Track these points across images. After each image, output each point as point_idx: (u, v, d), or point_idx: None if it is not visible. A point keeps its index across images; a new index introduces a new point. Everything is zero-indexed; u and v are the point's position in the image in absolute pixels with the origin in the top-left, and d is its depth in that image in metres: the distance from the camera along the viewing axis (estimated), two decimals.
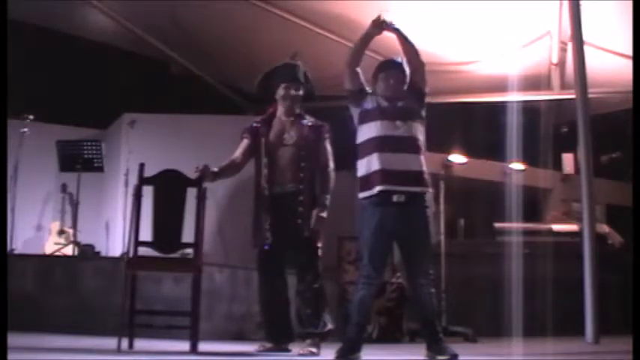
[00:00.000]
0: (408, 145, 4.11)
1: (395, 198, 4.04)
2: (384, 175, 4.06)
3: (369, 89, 4.31)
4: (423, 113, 4.27)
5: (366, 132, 4.17)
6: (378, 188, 4.06)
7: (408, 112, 4.17)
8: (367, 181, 4.12)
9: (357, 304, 4.11)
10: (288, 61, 4.90)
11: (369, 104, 4.23)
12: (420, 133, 4.19)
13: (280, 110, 4.82)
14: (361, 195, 4.16)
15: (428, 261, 4.13)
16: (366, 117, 4.21)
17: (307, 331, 4.67)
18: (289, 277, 4.80)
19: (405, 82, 4.28)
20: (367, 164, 4.13)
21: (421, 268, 4.09)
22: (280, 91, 4.78)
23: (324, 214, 4.64)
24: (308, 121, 4.81)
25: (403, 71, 4.28)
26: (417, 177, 4.11)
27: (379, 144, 4.09)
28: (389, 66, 4.29)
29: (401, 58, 4.29)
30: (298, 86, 4.79)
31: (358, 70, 4.28)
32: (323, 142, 4.77)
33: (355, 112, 4.28)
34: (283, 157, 4.69)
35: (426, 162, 4.18)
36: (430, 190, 4.20)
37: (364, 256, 4.14)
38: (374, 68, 4.32)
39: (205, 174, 4.48)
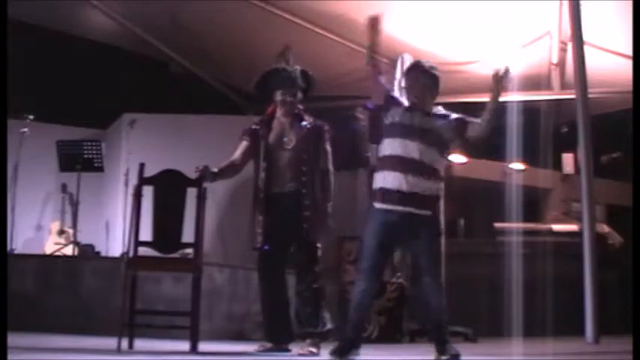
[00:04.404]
0: (423, 169, 4.06)
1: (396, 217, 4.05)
2: (392, 194, 4.06)
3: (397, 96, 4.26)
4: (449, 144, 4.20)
5: (387, 147, 4.14)
6: (379, 206, 4.09)
7: (431, 136, 4.11)
8: (375, 195, 4.13)
9: (353, 301, 4.14)
10: (284, 66, 4.87)
11: (394, 117, 4.16)
12: (437, 161, 4.11)
13: (279, 112, 4.82)
14: (372, 202, 4.17)
15: (435, 262, 4.12)
16: (389, 131, 4.16)
17: (307, 331, 4.67)
18: (288, 277, 4.81)
19: (432, 90, 4.22)
20: (382, 179, 4.13)
21: (428, 268, 4.09)
22: (277, 97, 4.79)
23: (331, 222, 4.68)
24: (307, 122, 4.81)
25: (430, 77, 4.21)
26: (423, 200, 4.06)
27: (395, 163, 4.07)
28: (414, 71, 4.25)
29: (429, 64, 4.26)
30: (294, 92, 4.79)
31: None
32: (323, 144, 4.78)
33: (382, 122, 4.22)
34: (283, 160, 4.70)
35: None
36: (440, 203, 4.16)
37: (364, 254, 4.16)
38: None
39: (205, 174, 4.49)
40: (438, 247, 4.20)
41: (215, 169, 4.56)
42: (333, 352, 4.03)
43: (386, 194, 4.08)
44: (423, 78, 4.22)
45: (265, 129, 4.78)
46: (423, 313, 4.23)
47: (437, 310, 4.09)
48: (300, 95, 4.82)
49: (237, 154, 4.77)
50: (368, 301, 4.21)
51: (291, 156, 4.70)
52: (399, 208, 4.05)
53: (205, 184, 4.54)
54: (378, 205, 4.11)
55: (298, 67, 4.86)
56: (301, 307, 4.68)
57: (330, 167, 4.78)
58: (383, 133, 4.18)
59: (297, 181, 4.66)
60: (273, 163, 4.69)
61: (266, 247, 4.64)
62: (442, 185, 4.19)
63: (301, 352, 4.55)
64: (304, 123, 4.79)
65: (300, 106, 4.84)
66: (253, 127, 4.84)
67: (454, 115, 4.21)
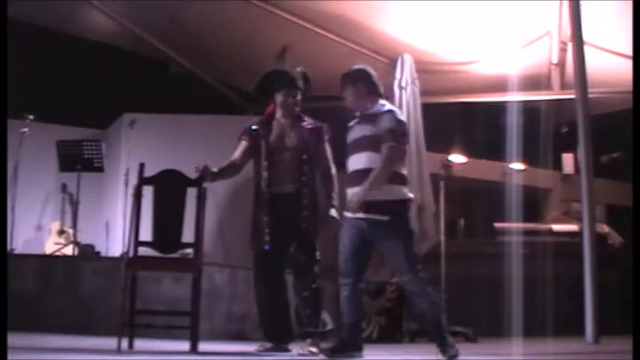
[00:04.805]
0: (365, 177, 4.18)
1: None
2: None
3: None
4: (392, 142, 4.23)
5: (348, 165, 4.35)
6: (346, 214, 4.30)
7: (380, 141, 4.21)
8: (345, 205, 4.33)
9: (342, 310, 4.25)
10: (285, 68, 4.92)
11: (349, 136, 4.40)
12: (374, 162, 4.19)
13: (279, 112, 4.82)
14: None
15: (409, 261, 4.13)
16: (347, 150, 4.39)
17: (307, 331, 4.67)
18: (287, 277, 4.81)
19: (359, 92, 4.35)
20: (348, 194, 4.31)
21: (402, 268, 4.13)
22: (279, 98, 4.79)
23: (337, 216, 4.67)
24: (307, 122, 4.81)
25: (353, 83, 4.37)
26: (383, 205, 4.15)
27: (354, 177, 4.25)
28: (341, 81, 4.42)
29: (357, 67, 4.43)
30: (297, 92, 4.80)
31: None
32: (323, 144, 4.79)
33: None
34: (284, 160, 4.70)
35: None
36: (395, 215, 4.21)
37: (339, 258, 4.32)
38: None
39: (205, 174, 4.48)
40: (409, 246, 4.21)
41: (215, 169, 4.56)
42: (325, 350, 4.07)
43: (349, 205, 4.23)
44: (346, 82, 4.39)
45: (265, 129, 4.79)
46: (419, 313, 4.23)
47: (431, 308, 4.07)
48: (300, 96, 4.82)
49: (237, 154, 4.78)
50: (353, 305, 4.25)
51: (292, 156, 4.70)
52: (361, 215, 4.17)
53: (205, 184, 4.54)
54: (345, 213, 4.30)
55: (299, 69, 4.87)
56: (301, 307, 4.68)
57: (332, 167, 4.78)
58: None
59: (297, 182, 4.66)
60: (274, 164, 4.69)
61: (267, 247, 4.64)
62: (405, 188, 4.24)
63: (301, 352, 4.55)
64: (304, 124, 4.80)
65: (297, 108, 4.84)
66: (252, 127, 4.83)
67: (387, 122, 4.24)
